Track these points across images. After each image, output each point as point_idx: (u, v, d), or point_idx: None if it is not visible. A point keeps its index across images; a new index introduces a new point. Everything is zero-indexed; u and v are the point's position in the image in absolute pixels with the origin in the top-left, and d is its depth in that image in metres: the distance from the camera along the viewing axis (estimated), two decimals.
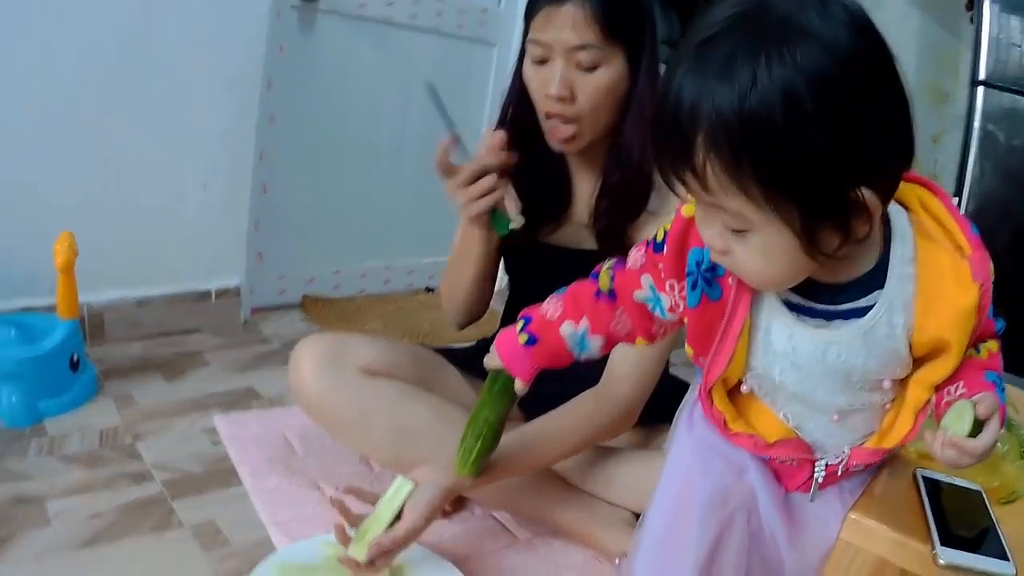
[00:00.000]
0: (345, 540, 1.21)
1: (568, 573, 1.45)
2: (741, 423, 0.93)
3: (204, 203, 2.22)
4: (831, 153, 0.70)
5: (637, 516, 1.43)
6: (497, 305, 1.66)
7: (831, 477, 0.93)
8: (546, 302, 1.07)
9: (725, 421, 0.93)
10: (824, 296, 0.84)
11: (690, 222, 0.87)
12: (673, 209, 0.92)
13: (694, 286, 0.89)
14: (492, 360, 1.10)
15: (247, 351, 2.21)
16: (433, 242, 2.72)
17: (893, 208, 0.82)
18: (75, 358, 1.82)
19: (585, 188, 1.47)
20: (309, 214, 2.59)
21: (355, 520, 1.24)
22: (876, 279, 0.82)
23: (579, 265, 1.39)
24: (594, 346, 1.03)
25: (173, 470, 1.58)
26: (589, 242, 1.47)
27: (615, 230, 1.41)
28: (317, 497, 1.54)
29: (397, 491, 1.24)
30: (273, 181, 2.43)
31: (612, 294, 1.00)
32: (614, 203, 1.40)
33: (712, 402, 0.93)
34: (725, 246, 0.78)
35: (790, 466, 0.93)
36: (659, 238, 0.93)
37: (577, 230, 1.50)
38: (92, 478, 1.51)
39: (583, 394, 1.37)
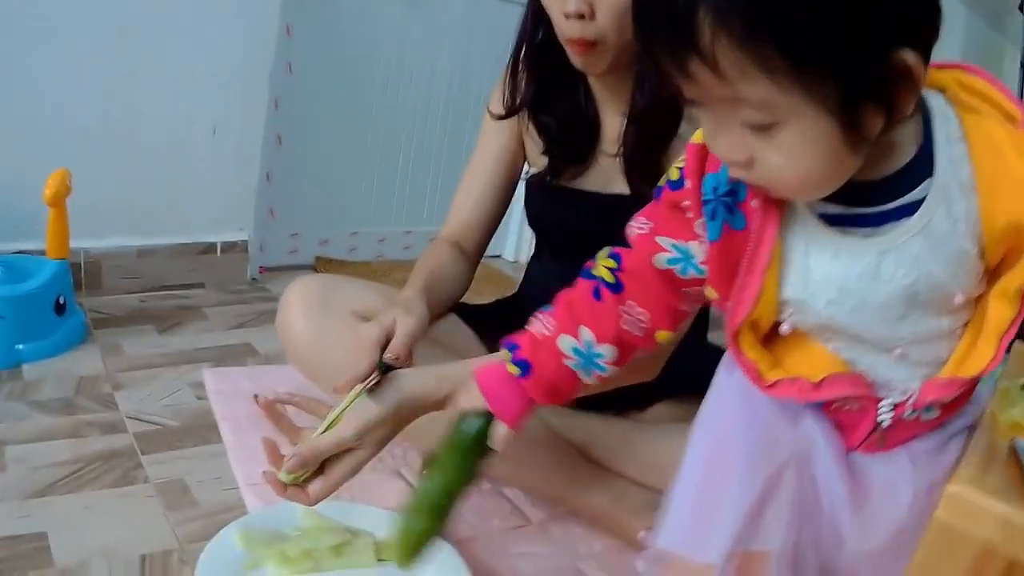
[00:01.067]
0: (277, 462, 1.00)
1: (587, 562, 1.27)
2: (779, 370, 0.76)
3: (213, 149, 2.09)
4: (867, 2, 0.57)
5: None
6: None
7: (900, 431, 0.75)
8: (531, 321, 0.88)
9: (759, 372, 0.76)
10: (865, 199, 0.69)
11: (702, 146, 0.73)
12: None
13: (713, 215, 0.74)
14: (465, 402, 0.91)
15: (250, 308, 2.06)
16: None
17: (924, 91, 0.66)
18: (61, 300, 1.68)
19: (612, 125, 1.32)
20: (326, 171, 2.45)
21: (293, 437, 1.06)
22: (922, 168, 0.67)
23: (610, 211, 1.29)
24: (605, 359, 0.85)
25: (148, 422, 1.43)
26: (619, 184, 1.32)
27: (646, 159, 1.26)
28: None
29: (344, 400, 1.00)
30: (288, 132, 2.29)
31: (616, 285, 0.84)
32: (643, 129, 1.25)
33: (741, 350, 0.76)
34: (747, 154, 0.65)
35: (850, 412, 0.75)
36: (674, 176, 0.78)
37: (605, 171, 1.34)
38: (59, 425, 1.38)
39: None
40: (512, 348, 0.88)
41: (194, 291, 2.10)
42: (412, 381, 1.01)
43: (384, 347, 1.04)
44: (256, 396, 1.06)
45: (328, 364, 1.24)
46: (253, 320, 1.99)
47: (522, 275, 1.65)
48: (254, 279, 2.26)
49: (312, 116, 2.35)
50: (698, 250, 0.79)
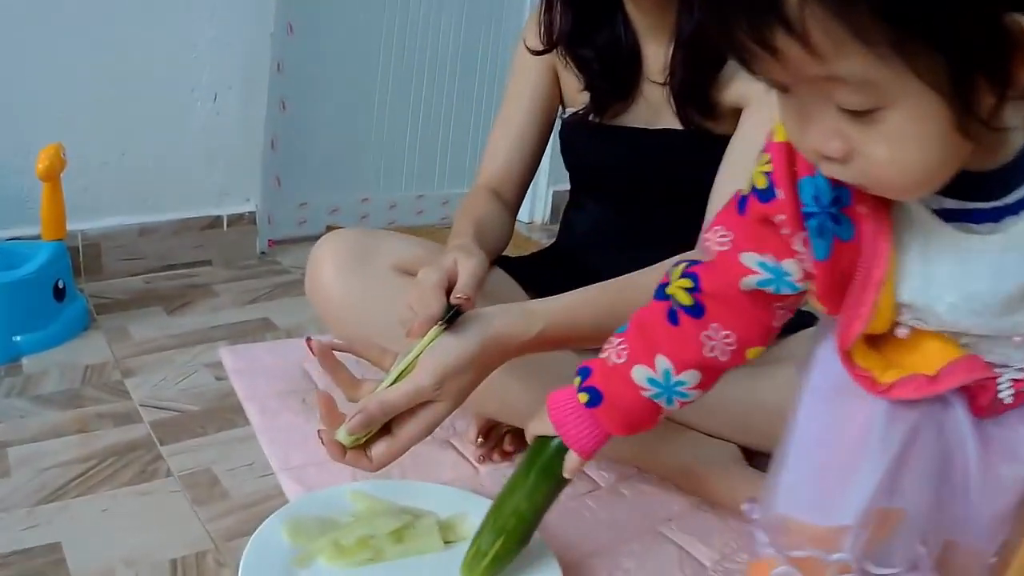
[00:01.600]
0: (331, 410, 0.86)
1: (666, 525, 1.13)
2: (893, 371, 0.65)
3: (214, 116, 1.92)
4: None
5: (746, 452, 1.16)
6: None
7: (1016, 400, 0.66)
8: (605, 346, 0.79)
9: (873, 379, 0.65)
10: (981, 191, 0.61)
11: (788, 145, 0.63)
12: None
13: (820, 231, 0.62)
14: (539, 426, 0.83)
15: (263, 282, 1.90)
16: (470, 171, 2.56)
17: None
18: (60, 285, 1.53)
19: (655, 55, 1.18)
20: (333, 136, 2.30)
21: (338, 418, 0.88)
22: None
23: (660, 147, 1.20)
24: (688, 386, 0.76)
25: (165, 409, 1.28)
26: (666, 118, 1.19)
27: (696, 87, 1.14)
28: None
29: (416, 345, 0.87)
30: (293, 96, 2.13)
31: (696, 308, 0.72)
32: (691, 55, 1.12)
33: (854, 361, 0.66)
34: (845, 146, 0.55)
35: (966, 387, 0.66)
36: (760, 184, 0.66)
37: (651, 105, 1.21)
38: (66, 420, 1.22)
39: (668, 260, 1.06)
40: (584, 374, 0.80)
41: (201, 268, 1.94)
42: (498, 317, 0.88)
43: (447, 292, 0.89)
44: (308, 339, 0.90)
45: (373, 325, 1.09)
46: (267, 294, 1.83)
47: (537, 235, 1.51)
48: (263, 253, 2.10)
49: (316, 79, 2.20)
50: (795, 268, 0.67)
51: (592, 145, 1.29)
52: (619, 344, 0.77)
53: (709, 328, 0.72)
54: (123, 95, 1.77)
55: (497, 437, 1.23)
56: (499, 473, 1.18)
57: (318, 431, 0.85)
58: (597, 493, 1.19)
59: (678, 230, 1.23)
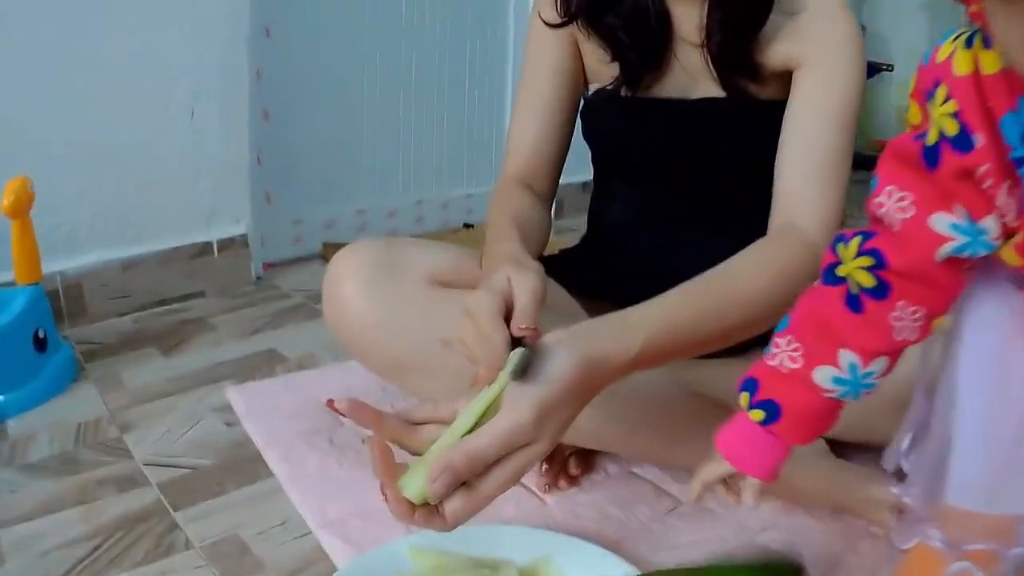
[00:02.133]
0: (388, 462, 0.69)
1: (765, 535, 1.00)
2: None
3: (193, 134, 1.75)
4: None
5: (831, 444, 1.07)
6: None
7: None
8: (766, 355, 0.69)
9: None
10: None
11: (975, 78, 0.51)
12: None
13: None
14: (714, 468, 0.73)
15: (263, 309, 1.74)
16: (470, 171, 2.49)
17: None
18: (41, 334, 1.36)
19: (686, 17, 1.05)
20: (322, 144, 2.13)
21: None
22: None
23: (702, 118, 1.08)
24: (877, 375, 0.65)
25: (173, 467, 1.11)
26: (705, 85, 1.07)
27: (737, 48, 1.01)
28: None
29: (494, 384, 0.70)
30: (275, 105, 1.98)
31: (881, 288, 0.61)
32: (729, 13, 1.00)
33: None
34: None
35: None
36: (950, 130, 0.53)
37: (687, 73, 1.08)
38: (63, 491, 1.05)
39: (756, 243, 0.92)
40: (750, 388, 0.70)
41: (194, 301, 1.77)
42: (593, 335, 0.74)
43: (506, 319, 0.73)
44: (330, 401, 0.73)
45: (407, 346, 0.94)
46: (270, 322, 1.67)
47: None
48: (259, 278, 1.93)
49: (299, 85, 2.04)
50: (993, 225, 0.56)
51: (625, 122, 1.15)
52: (788, 346, 0.67)
53: (896, 308, 0.61)
54: (93, 118, 1.60)
55: (561, 461, 1.08)
56: (568, 501, 1.03)
57: (380, 487, 0.68)
58: (680, 510, 1.06)
59: (727, 206, 1.12)
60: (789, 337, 0.67)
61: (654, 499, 1.07)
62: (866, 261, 0.60)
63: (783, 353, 0.67)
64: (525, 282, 0.74)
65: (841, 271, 0.63)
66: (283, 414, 1.24)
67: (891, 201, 0.57)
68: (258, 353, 1.51)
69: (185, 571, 0.91)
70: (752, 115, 1.05)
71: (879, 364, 0.64)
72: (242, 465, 1.12)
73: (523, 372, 0.68)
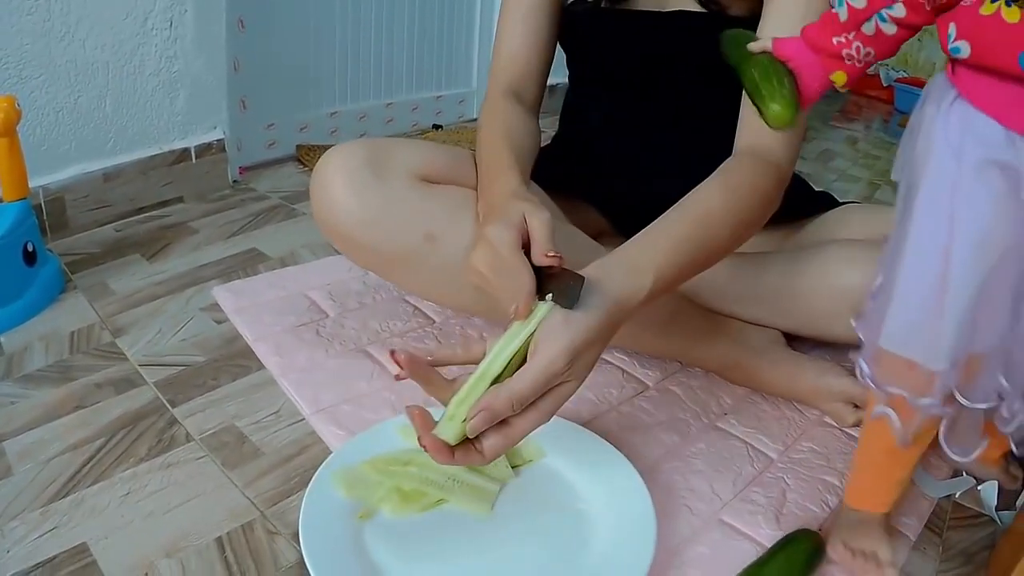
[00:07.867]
0: (426, 423, 0.69)
1: (725, 420, 1.05)
2: None
3: (170, 44, 1.66)
4: None
5: (788, 336, 1.12)
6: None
7: None
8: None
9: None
10: None
11: None
12: None
13: None
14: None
15: (242, 211, 1.70)
16: (438, 74, 2.49)
17: None
18: (30, 248, 1.31)
19: None
20: (295, 52, 2.06)
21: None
22: None
23: (673, 30, 1.07)
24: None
25: (168, 366, 1.10)
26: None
27: None
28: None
29: (523, 324, 0.70)
30: (251, 15, 1.90)
31: None
32: None
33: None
34: None
35: None
36: None
37: None
38: (61, 398, 1.03)
39: (728, 167, 0.91)
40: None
41: (174, 206, 1.72)
42: (612, 276, 0.73)
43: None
44: (393, 352, 0.72)
45: (398, 242, 0.93)
46: (251, 223, 1.63)
47: None
48: (235, 181, 1.88)
49: None
50: None
51: (601, 32, 1.12)
52: None
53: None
54: (72, 33, 1.51)
55: None
56: None
57: (418, 439, 0.67)
58: (647, 394, 1.08)
59: (696, 114, 1.11)
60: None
61: (623, 383, 1.09)
62: None
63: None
64: (541, 216, 0.74)
65: None
66: (271, 309, 1.23)
67: None
68: (240, 253, 1.48)
69: (188, 462, 0.90)
70: (723, 29, 1.02)
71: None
72: (234, 360, 1.11)
73: (576, 300, 0.68)
